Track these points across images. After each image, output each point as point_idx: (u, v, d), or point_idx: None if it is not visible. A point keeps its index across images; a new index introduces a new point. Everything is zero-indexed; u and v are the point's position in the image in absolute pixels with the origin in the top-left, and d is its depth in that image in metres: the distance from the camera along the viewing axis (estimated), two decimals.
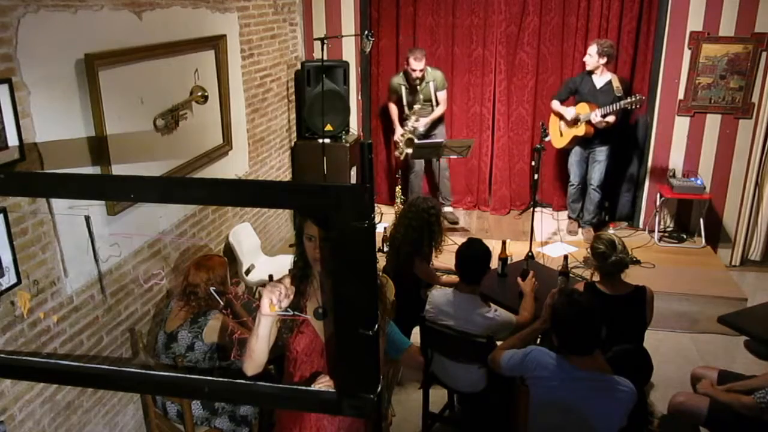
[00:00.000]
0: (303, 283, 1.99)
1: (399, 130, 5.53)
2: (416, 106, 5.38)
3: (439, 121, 5.60)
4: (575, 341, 2.42)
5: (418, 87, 5.37)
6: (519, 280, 3.55)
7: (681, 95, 5.22)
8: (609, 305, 2.96)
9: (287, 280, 1.79)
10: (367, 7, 5.63)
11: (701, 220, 5.29)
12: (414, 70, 5.26)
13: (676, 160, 5.38)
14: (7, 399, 2.51)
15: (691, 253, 5.20)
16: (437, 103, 5.46)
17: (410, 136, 5.39)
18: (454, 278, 3.40)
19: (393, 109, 5.62)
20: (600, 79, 5.05)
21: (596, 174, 5.23)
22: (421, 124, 5.41)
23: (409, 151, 5.39)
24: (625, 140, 5.50)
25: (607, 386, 2.39)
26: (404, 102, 5.48)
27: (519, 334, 3.02)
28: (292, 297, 1.73)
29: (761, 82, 5.02)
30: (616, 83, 5.00)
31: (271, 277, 3.41)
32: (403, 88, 5.45)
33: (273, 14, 4.98)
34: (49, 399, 2.73)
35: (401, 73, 5.49)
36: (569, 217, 5.60)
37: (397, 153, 5.60)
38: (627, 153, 5.56)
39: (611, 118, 4.93)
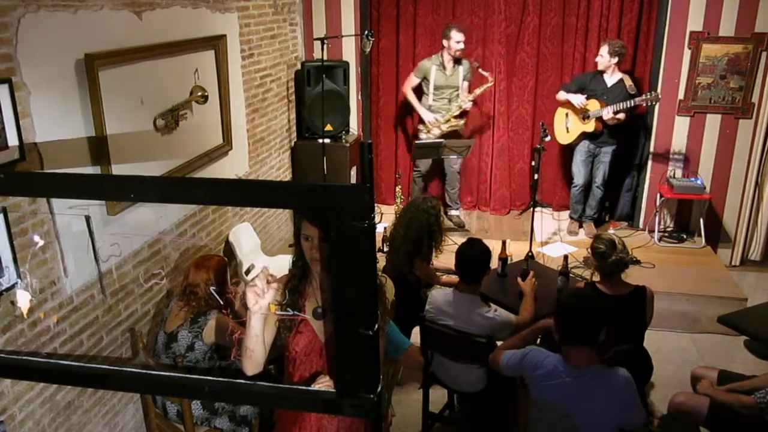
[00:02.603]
0: (302, 283, 1.99)
1: (428, 115, 5.33)
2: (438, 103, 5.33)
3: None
4: (576, 330, 2.41)
5: (452, 70, 5.30)
6: (519, 280, 3.55)
7: (681, 95, 5.22)
8: (609, 305, 2.97)
9: (264, 272, 1.77)
10: (367, 7, 5.63)
11: (701, 220, 5.29)
12: (459, 42, 5.15)
13: (676, 160, 5.38)
14: (7, 399, 2.51)
15: (691, 253, 5.20)
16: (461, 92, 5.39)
17: (453, 123, 5.32)
18: (455, 278, 3.40)
19: (411, 93, 5.45)
20: (611, 78, 5.08)
21: (600, 173, 5.29)
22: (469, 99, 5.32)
23: (461, 123, 5.35)
24: (628, 140, 5.51)
25: (601, 376, 2.40)
26: (431, 85, 5.33)
27: (519, 334, 3.02)
28: (275, 287, 1.72)
29: (761, 82, 5.02)
30: (628, 82, 5.04)
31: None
32: (434, 69, 5.29)
33: (273, 14, 4.98)
34: (49, 399, 2.73)
35: (434, 56, 5.37)
36: (570, 217, 5.61)
37: (424, 135, 5.42)
38: (627, 153, 5.56)
39: (621, 115, 4.98)
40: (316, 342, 2.00)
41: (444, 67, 5.31)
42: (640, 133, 5.46)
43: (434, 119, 5.35)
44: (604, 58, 4.99)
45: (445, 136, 5.35)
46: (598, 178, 5.30)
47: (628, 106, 4.91)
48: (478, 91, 5.33)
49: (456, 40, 5.15)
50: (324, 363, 2.00)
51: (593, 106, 5.07)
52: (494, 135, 5.90)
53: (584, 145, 5.25)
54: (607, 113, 4.95)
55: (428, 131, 5.40)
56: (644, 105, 4.99)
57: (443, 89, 5.34)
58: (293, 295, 1.97)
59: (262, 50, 4.81)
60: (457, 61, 5.29)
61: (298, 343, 1.99)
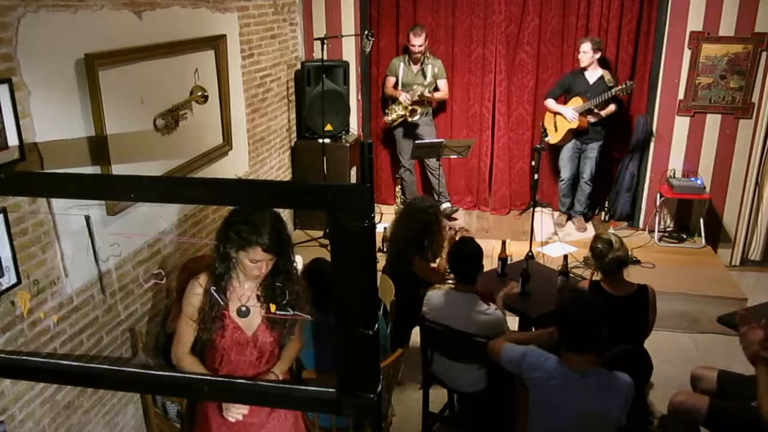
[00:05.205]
0: (224, 282, 2.22)
1: (405, 95, 5.39)
2: (415, 87, 5.39)
3: (429, 123, 5.63)
4: (578, 338, 2.42)
5: (417, 68, 5.41)
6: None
7: (681, 95, 5.22)
8: (613, 305, 2.97)
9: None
10: (367, 7, 5.63)
11: (701, 220, 5.29)
12: (413, 46, 5.30)
13: (676, 160, 5.38)
14: (7, 399, 2.51)
15: (691, 253, 5.20)
16: (436, 89, 5.49)
17: (415, 107, 5.38)
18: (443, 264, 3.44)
19: (390, 82, 5.57)
20: (592, 75, 5.19)
21: (587, 168, 5.39)
22: (426, 91, 5.41)
23: (417, 117, 5.41)
24: (622, 138, 5.53)
25: (604, 380, 2.40)
26: (401, 82, 5.48)
27: (526, 333, 3.04)
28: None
29: (761, 82, 5.02)
30: (607, 77, 5.15)
31: None
32: (402, 66, 5.46)
33: (273, 14, 4.98)
34: (49, 399, 2.73)
35: (402, 55, 5.56)
36: (559, 210, 5.75)
37: (388, 119, 5.54)
38: (626, 153, 5.57)
39: (611, 108, 5.11)
40: (242, 336, 2.23)
41: (410, 65, 5.45)
42: (639, 132, 5.44)
43: (405, 97, 5.39)
44: (587, 54, 5.09)
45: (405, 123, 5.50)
46: (586, 174, 5.40)
47: (606, 98, 5.03)
48: (429, 94, 5.43)
49: (411, 43, 5.32)
50: (258, 353, 2.28)
51: (576, 103, 5.18)
52: (494, 135, 5.90)
53: (571, 143, 5.37)
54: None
55: (391, 113, 5.51)
56: (620, 94, 5.08)
57: (409, 86, 5.45)
58: (218, 296, 2.22)
59: (262, 50, 4.81)
60: (416, 60, 5.41)
61: (223, 338, 2.23)
